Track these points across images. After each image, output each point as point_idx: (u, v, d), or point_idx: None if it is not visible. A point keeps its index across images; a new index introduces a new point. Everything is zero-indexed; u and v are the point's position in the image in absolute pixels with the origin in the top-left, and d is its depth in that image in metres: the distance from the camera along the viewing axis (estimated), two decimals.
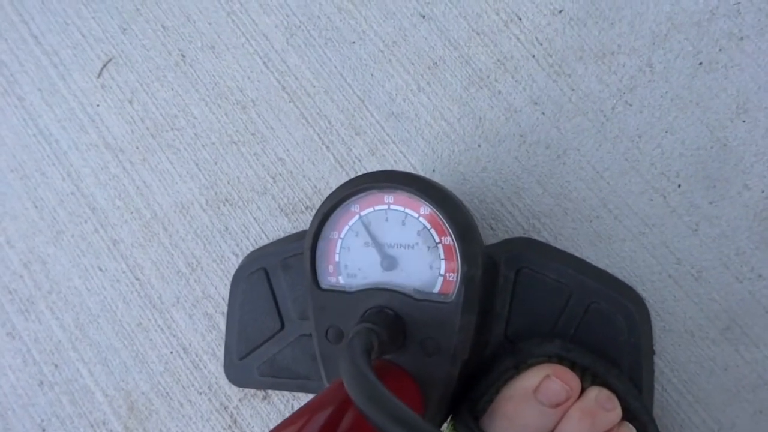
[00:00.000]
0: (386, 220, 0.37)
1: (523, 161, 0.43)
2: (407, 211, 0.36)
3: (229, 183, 0.50)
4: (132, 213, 0.51)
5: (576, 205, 0.42)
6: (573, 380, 0.35)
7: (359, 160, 0.47)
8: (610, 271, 0.41)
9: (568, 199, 0.42)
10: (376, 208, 0.37)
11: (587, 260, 0.42)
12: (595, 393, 0.35)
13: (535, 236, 0.43)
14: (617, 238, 0.41)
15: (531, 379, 0.35)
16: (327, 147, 0.48)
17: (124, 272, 0.51)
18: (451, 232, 0.35)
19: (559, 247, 0.42)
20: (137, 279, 0.51)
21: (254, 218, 0.49)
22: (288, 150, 0.49)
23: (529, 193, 0.43)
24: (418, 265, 0.36)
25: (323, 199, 0.37)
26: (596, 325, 0.39)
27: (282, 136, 0.49)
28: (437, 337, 0.35)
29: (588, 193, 0.42)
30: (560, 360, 0.37)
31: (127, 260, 0.51)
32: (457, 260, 0.35)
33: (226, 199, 0.50)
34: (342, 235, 0.38)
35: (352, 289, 0.37)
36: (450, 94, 0.45)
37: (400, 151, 0.46)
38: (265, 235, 0.49)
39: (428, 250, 0.36)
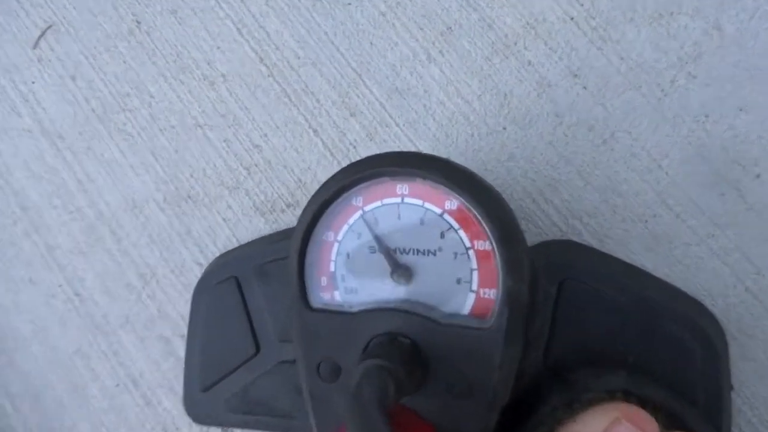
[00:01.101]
0: (399, 217, 0.29)
1: (559, 147, 0.36)
2: (428, 205, 0.29)
3: (192, 176, 0.42)
4: (72, 213, 0.44)
5: (627, 201, 0.35)
6: (650, 424, 0.28)
7: (354, 147, 0.40)
8: (671, 283, 0.34)
9: (616, 194, 0.36)
10: (386, 201, 0.29)
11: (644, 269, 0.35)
12: None
13: (576, 240, 0.36)
14: (679, 241, 0.35)
15: (594, 422, 0.28)
16: (315, 131, 0.41)
17: (60, 286, 0.44)
18: (490, 234, 0.27)
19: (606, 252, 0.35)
20: (77, 294, 0.44)
21: (223, 219, 0.42)
22: (266, 135, 0.41)
23: (567, 186, 0.36)
24: (441, 277, 0.29)
25: (312, 193, 0.30)
26: (663, 353, 0.32)
27: (259, 118, 0.42)
28: (469, 375, 0.27)
29: (642, 186, 0.35)
30: (627, 396, 0.30)
31: (64, 271, 0.44)
32: (498, 272, 0.27)
33: (189, 196, 0.42)
34: (340, 237, 0.30)
35: (353, 309, 0.29)
36: (468, 66, 0.39)
37: (406, 136, 0.39)
38: (237, 239, 0.42)
39: (456, 258, 0.28)
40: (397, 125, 0.39)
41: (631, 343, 0.32)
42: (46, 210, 0.45)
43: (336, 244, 0.30)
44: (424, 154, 0.29)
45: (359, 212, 0.30)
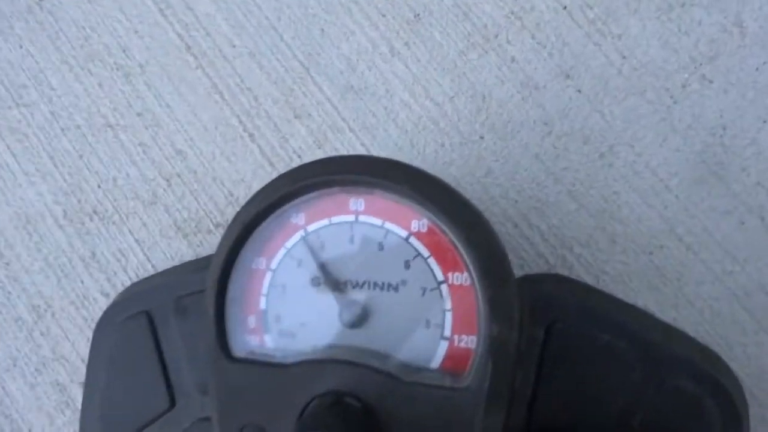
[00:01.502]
0: (351, 240, 0.23)
1: (548, 162, 0.31)
2: (389, 225, 0.23)
3: (99, 186, 0.36)
4: None
5: (628, 229, 0.30)
6: None
7: (299, 155, 0.34)
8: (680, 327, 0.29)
9: (616, 220, 0.30)
10: (335, 219, 0.24)
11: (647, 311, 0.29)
12: None
13: (566, 274, 0.31)
14: (690, 279, 0.30)
15: None
16: (251, 135, 0.34)
17: None
18: (471, 265, 0.21)
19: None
20: None
21: (136, 240, 0.35)
22: (191, 139, 0.35)
23: (556, 209, 0.31)
24: (405, 320, 0.23)
25: (223, 235, 0.25)
26: (674, 414, 0.27)
27: (183, 119, 0.35)
28: None
29: (646, 211, 0.30)
30: None
31: None
32: (479, 314, 0.22)
33: (95, 211, 0.36)
34: (274, 266, 0.24)
35: (288, 360, 0.23)
36: (439, 61, 0.33)
37: (361, 143, 0.34)
38: (152, 265, 0.35)
39: (424, 295, 0.23)
40: (352, 130, 0.33)
41: (636, 403, 0.27)
42: None
43: (269, 274, 0.24)
44: (386, 158, 0.23)
45: (300, 233, 0.24)
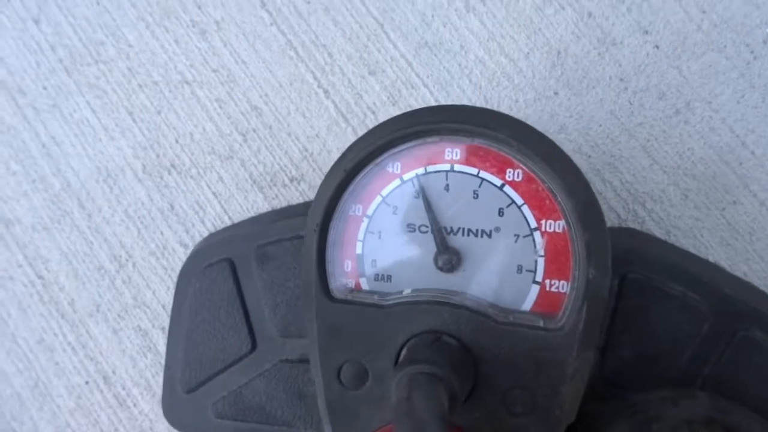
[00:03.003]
0: (447, 189, 0.24)
1: (622, 117, 0.31)
2: (484, 174, 0.24)
3: (177, 141, 0.36)
4: (34, 182, 0.38)
5: (701, 185, 0.30)
6: None
7: (373, 112, 0.34)
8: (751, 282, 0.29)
9: (689, 176, 0.30)
10: (431, 168, 0.24)
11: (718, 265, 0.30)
12: None
13: (638, 228, 0.30)
14: (763, 234, 0.30)
15: None
16: (325, 91, 0.35)
17: (20, 266, 0.38)
18: (569, 212, 0.22)
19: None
20: (39, 277, 0.38)
21: (213, 193, 0.36)
22: (266, 95, 0.35)
23: (629, 164, 0.31)
24: (498, 265, 0.24)
25: (320, 165, 0.27)
26: (747, 363, 0.27)
27: (258, 75, 0.35)
28: (532, 386, 0.23)
29: (721, 168, 0.30)
30: (709, 425, 0.24)
31: (24, 249, 0.38)
32: (572, 260, 0.23)
33: (173, 165, 0.37)
34: (370, 212, 0.25)
35: (386, 302, 0.24)
36: (515, 17, 0.33)
37: (436, 100, 0.34)
38: (229, 218, 0.36)
39: (517, 242, 0.23)
40: (426, 86, 0.33)
41: (709, 352, 0.27)
42: (2, 177, 0.38)
43: (365, 221, 0.25)
44: (485, 108, 0.23)
45: (397, 181, 0.24)
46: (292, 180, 0.35)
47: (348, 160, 0.24)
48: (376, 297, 0.24)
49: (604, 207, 0.31)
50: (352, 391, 0.24)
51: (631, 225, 0.31)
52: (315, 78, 0.34)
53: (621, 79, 0.31)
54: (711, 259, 0.30)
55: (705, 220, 0.30)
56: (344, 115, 0.34)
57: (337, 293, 0.25)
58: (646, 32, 0.31)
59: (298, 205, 0.34)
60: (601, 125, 0.31)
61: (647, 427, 0.25)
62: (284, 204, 0.35)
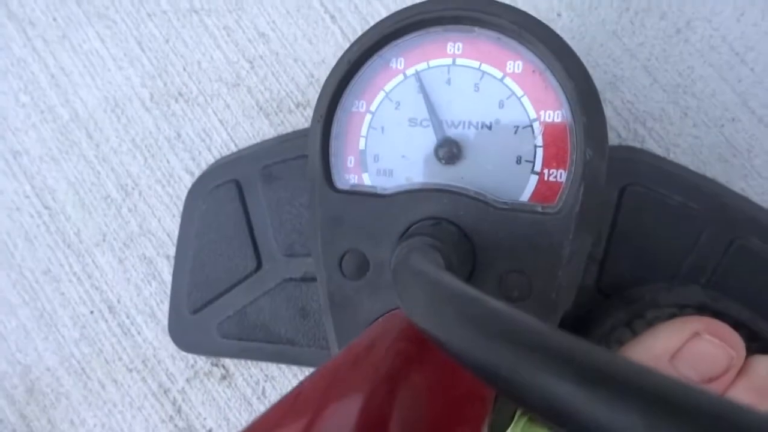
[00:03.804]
0: (448, 83, 0.24)
1: (624, 38, 0.31)
2: (485, 67, 0.23)
3: (185, 69, 0.36)
4: (42, 112, 0.38)
5: (701, 103, 0.30)
6: (736, 341, 0.23)
7: None
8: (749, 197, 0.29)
9: (689, 94, 0.30)
10: (432, 62, 0.24)
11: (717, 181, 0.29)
12: (766, 363, 0.23)
13: (638, 146, 0.30)
14: (761, 151, 0.29)
15: (668, 337, 0.24)
16: (332, 17, 0.35)
17: (27, 196, 0.38)
18: (570, 96, 0.22)
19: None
20: (46, 207, 0.38)
21: (220, 121, 0.36)
22: (273, 21, 0.35)
23: (630, 84, 0.31)
24: (497, 156, 0.24)
25: (328, 75, 0.25)
26: (743, 271, 0.27)
27: (266, 1, 0.35)
28: (528, 270, 0.22)
29: (720, 85, 0.30)
30: (701, 310, 0.24)
31: (32, 179, 0.38)
32: (574, 147, 0.22)
33: (180, 93, 0.36)
34: (373, 108, 0.25)
35: (388, 192, 0.24)
36: None
37: None
38: (236, 144, 0.36)
39: (516, 133, 0.23)
40: None
41: (706, 261, 0.27)
42: (11, 108, 0.38)
43: (368, 116, 0.25)
44: None
45: (400, 76, 0.24)
46: (298, 106, 0.35)
47: (352, 53, 0.23)
48: (378, 189, 0.24)
49: None
50: (354, 281, 0.24)
51: (632, 144, 0.31)
52: (321, 4, 0.34)
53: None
54: (710, 176, 0.30)
55: (704, 138, 0.30)
56: (350, 41, 0.34)
57: (340, 185, 0.24)
58: None
59: (303, 130, 0.34)
60: (602, 45, 0.31)
61: (643, 313, 0.25)
62: (290, 130, 0.35)
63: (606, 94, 0.31)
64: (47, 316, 0.38)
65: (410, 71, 0.24)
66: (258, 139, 0.35)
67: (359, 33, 0.34)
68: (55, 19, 0.38)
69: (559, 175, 0.23)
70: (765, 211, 0.29)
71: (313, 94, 0.34)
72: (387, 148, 0.24)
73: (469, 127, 0.23)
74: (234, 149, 0.35)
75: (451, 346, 0.11)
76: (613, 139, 0.31)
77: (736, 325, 0.25)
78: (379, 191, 0.24)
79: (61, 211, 0.38)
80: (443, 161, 0.23)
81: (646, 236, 0.28)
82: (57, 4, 0.37)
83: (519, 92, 0.23)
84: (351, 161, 0.25)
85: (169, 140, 0.36)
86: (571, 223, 0.22)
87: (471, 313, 0.11)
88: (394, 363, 0.14)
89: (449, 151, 0.23)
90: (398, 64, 0.24)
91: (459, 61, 0.23)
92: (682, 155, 0.30)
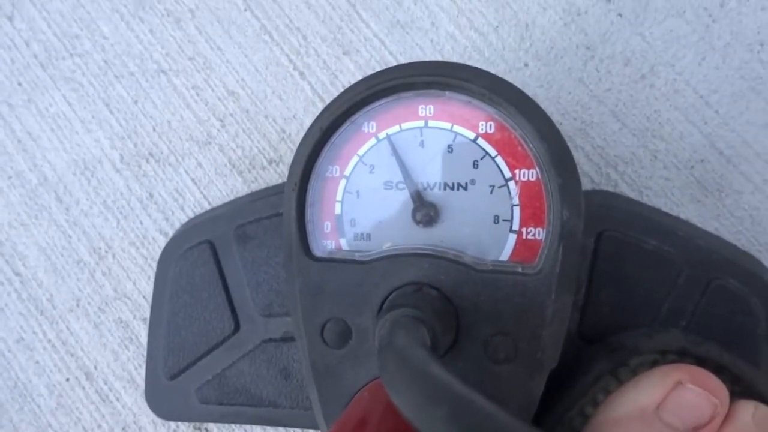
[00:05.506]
0: (421, 144, 0.24)
1: (591, 85, 0.31)
2: (458, 129, 0.24)
3: (155, 130, 0.36)
4: (10, 178, 0.38)
5: (670, 146, 0.31)
6: (719, 388, 0.23)
7: None
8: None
9: (657, 137, 0.31)
10: (405, 125, 0.24)
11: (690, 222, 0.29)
12: (752, 410, 0.23)
13: (611, 190, 0.30)
14: (731, 189, 0.30)
15: (651, 388, 0.24)
16: (301, 73, 0.35)
17: None
18: (542, 157, 0.22)
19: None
20: (17, 274, 0.37)
21: (192, 179, 0.36)
22: (243, 79, 0.35)
23: (600, 129, 0.31)
24: (475, 217, 0.24)
25: (300, 141, 0.25)
26: (721, 311, 0.27)
27: (234, 60, 0.35)
28: (513, 331, 0.22)
29: (687, 128, 0.31)
30: (682, 357, 0.24)
31: (1, 246, 0.38)
32: (546, 207, 0.23)
33: (151, 154, 0.36)
34: (347, 172, 0.25)
35: (367, 258, 0.24)
36: None
37: None
38: (209, 202, 0.36)
39: (492, 193, 0.23)
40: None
41: (685, 303, 0.27)
42: None
43: (343, 181, 0.25)
44: (456, 62, 0.23)
45: (373, 140, 0.24)
46: (270, 162, 0.35)
47: (324, 119, 0.23)
48: (356, 255, 0.24)
49: None
50: (336, 350, 0.23)
51: (605, 188, 0.31)
52: (290, 61, 0.34)
53: (587, 48, 0.31)
54: (683, 216, 0.30)
55: (675, 180, 0.30)
56: (320, 96, 0.34)
57: (317, 252, 0.24)
58: (609, 0, 0.31)
59: (276, 186, 0.34)
60: (570, 93, 0.31)
61: (626, 361, 0.25)
62: (263, 187, 0.35)
63: (576, 141, 0.31)
64: (21, 386, 0.37)
65: (382, 135, 0.24)
66: (232, 197, 0.35)
67: (329, 88, 0.34)
68: (20, 84, 0.37)
69: (538, 233, 0.23)
70: (740, 251, 0.29)
71: (285, 150, 0.34)
72: (363, 212, 0.24)
73: (444, 189, 0.23)
74: (208, 207, 0.35)
75: None
76: (586, 184, 0.31)
77: (718, 369, 0.25)
78: (357, 257, 0.24)
79: (32, 278, 0.37)
80: (421, 224, 0.23)
81: (625, 281, 0.28)
82: (21, 69, 0.37)
83: (493, 152, 0.23)
84: (327, 227, 0.25)
85: (141, 201, 0.36)
86: (552, 282, 0.22)
87: (460, 420, 0.11)
88: None
89: (426, 214, 0.23)
90: (370, 128, 0.24)
91: (431, 123, 0.24)
92: (655, 197, 0.30)
